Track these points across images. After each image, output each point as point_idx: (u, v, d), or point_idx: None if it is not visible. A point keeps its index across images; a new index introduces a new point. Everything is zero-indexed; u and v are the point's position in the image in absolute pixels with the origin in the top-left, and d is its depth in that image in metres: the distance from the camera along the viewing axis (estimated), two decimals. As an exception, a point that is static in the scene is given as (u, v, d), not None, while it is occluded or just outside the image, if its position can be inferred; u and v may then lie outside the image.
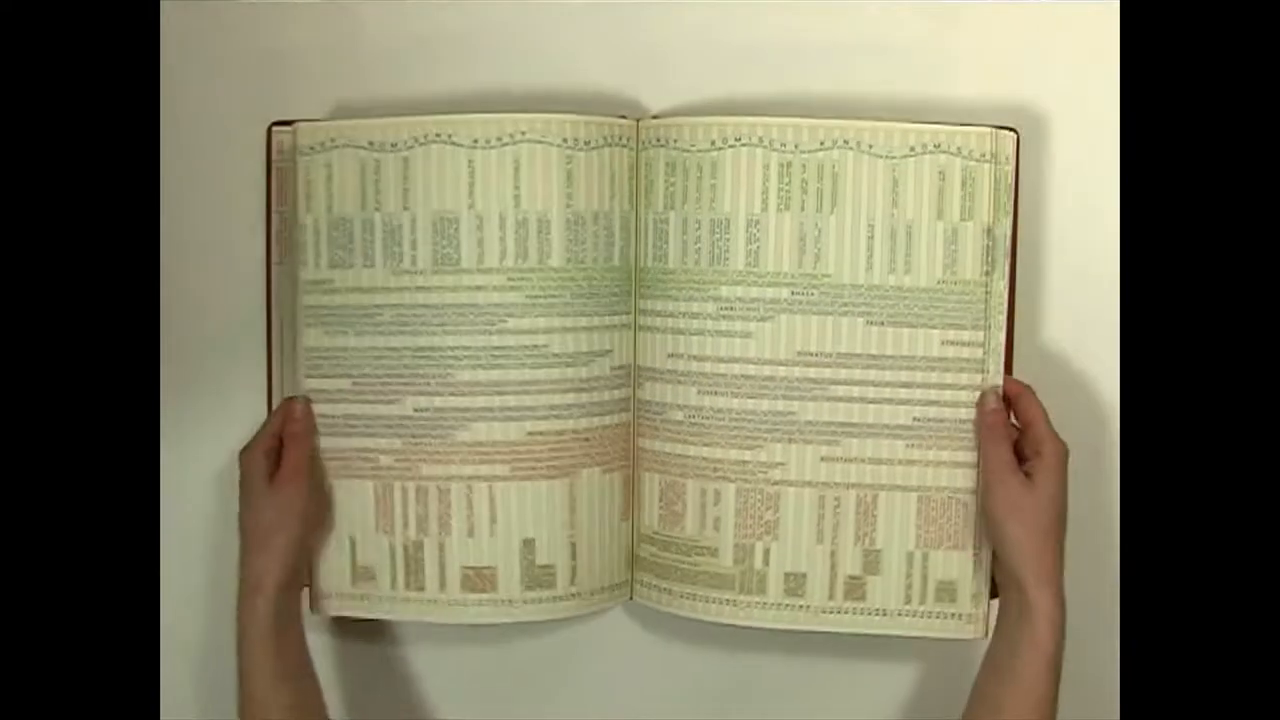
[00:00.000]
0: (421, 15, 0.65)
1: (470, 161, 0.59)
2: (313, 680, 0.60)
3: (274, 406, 0.64)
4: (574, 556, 0.62)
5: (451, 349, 0.60)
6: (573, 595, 0.62)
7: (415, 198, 0.60)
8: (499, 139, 0.59)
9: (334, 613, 0.63)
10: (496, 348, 0.60)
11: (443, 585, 0.62)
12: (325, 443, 0.62)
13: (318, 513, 0.61)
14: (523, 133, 0.59)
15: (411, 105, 0.64)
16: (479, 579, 0.62)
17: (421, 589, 0.62)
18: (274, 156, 0.64)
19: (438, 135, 0.59)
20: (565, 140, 0.59)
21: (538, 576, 0.62)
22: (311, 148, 0.60)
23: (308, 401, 0.62)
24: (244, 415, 0.65)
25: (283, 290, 0.64)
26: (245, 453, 0.60)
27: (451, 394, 0.61)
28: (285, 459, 0.60)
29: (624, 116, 0.61)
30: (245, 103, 0.65)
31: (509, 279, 0.60)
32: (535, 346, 0.60)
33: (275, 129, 0.63)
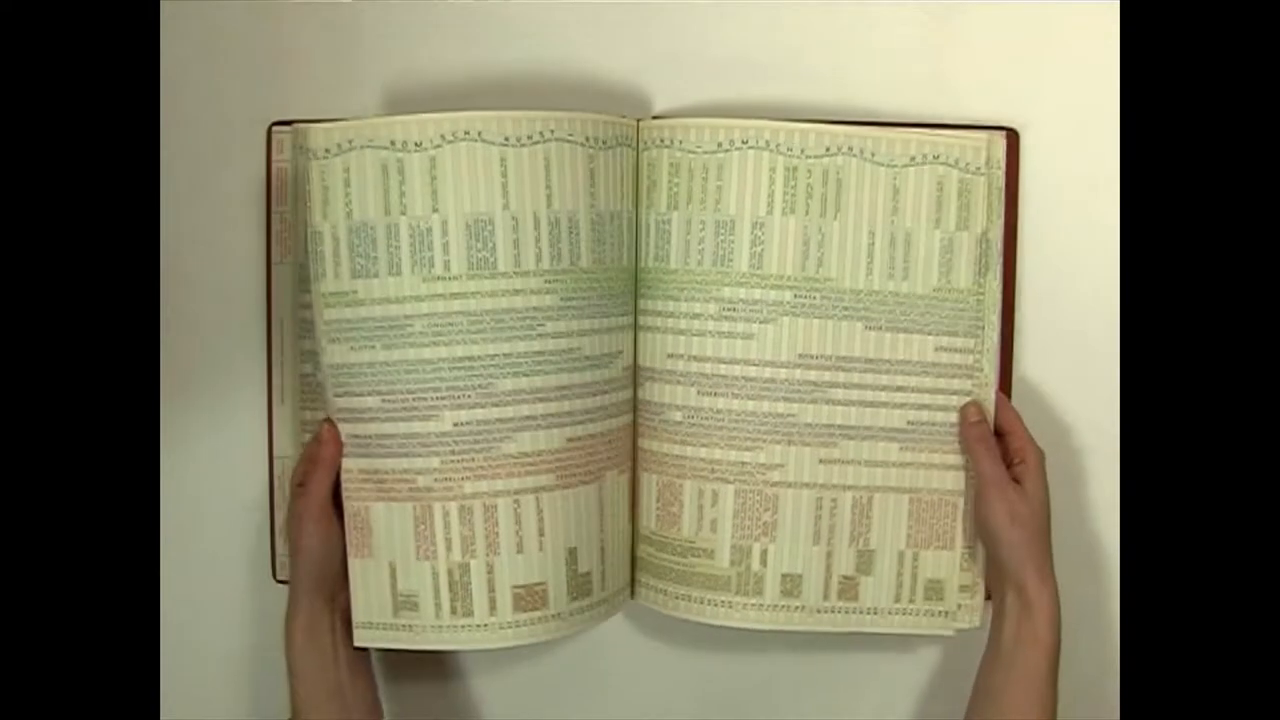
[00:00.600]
0: (421, 15, 0.65)
1: (503, 160, 0.56)
2: (362, 696, 0.59)
3: (273, 407, 0.64)
4: (603, 560, 0.61)
5: (492, 357, 0.57)
6: (604, 600, 0.61)
7: (445, 199, 0.56)
8: (530, 137, 0.56)
9: (376, 645, 0.59)
10: (537, 353, 0.57)
11: (493, 608, 0.58)
12: (357, 464, 0.58)
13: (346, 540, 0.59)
14: (551, 130, 0.57)
15: (412, 106, 0.64)
16: (530, 596, 0.59)
17: (470, 614, 0.58)
18: (274, 156, 0.63)
19: (466, 133, 0.56)
20: (588, 139, 0.58)
21: (580, 585, 0.60)
22: (327, 150, 0.56)
23: (333, 425, 0.58)
24: (244, 415, 0.65)
25: (282, 290, 0.64)
26: (291, 477, 0.59)
27: (494, 405, 0.57)
28: (306, 493, 0.58)
29: (624, 116, 0.61)
30: (245, 103, 0.65)
31: (545, 281, 0.57)
32: (570, 350, 0.58)
33: (275, 129, 0.63)
